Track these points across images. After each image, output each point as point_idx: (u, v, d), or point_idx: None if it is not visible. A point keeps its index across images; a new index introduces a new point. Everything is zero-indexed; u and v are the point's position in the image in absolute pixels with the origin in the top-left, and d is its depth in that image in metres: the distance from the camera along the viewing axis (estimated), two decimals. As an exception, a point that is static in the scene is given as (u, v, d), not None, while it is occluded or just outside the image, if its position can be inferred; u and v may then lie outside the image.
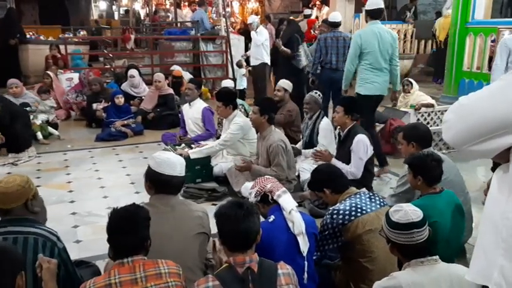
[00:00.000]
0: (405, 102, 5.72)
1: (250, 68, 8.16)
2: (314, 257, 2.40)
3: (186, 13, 14.02)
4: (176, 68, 7.90)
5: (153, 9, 16.48)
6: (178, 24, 12.67)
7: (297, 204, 2.36)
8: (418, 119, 5.32)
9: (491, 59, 6.16)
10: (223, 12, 9.71)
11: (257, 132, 4.12)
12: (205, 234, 2.28)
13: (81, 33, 13.33)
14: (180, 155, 3.41)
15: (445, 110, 1.59)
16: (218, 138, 4.76)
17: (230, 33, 9.46)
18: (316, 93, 4.50)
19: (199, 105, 5.15)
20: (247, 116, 4.79)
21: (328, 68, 5.73)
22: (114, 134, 6.04)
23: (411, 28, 10.04)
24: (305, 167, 4.06)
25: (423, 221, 1.89)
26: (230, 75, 8.87)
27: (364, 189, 2.63)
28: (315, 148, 4.21)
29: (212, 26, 10.35)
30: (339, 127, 3.96)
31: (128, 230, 1.75)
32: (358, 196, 2.48)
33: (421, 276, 1.80)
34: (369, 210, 2.38)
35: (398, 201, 2.73)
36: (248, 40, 8.82)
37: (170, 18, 15.05)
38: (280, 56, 6.59)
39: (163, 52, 9.84)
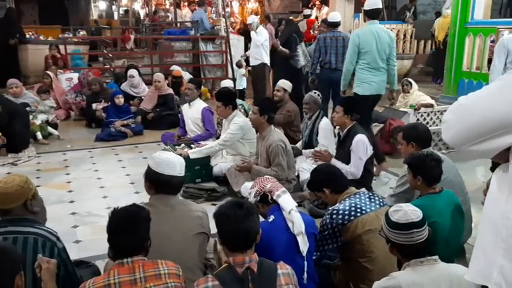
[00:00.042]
0: (405, 103, 5.73)
1: (249, 68, 8.16)
2: (314, 257, 2.40)
3: (185, 13, 14.02)
4: (176, 68, 7.90)
5: (153, 9, 16.49)
6: (178, 24, 12.68)
7: (296, 204, 2.36)
8: (418, 119, 5.33)
9: (490, 60, 6.16)
10: (223, 12, 9.71)
11: (257, 132, 4.12)
12: (205, 234, 2.28)
13: (81, 33, 13.33)
14: (180, 155, 3.40)
15: (445, 110, 1.59)
16: (218, 138, 4.76)
17: (230, 33, 9.46)
18: (315, 93, 4.50)
19: (199, 105, 5.15)
20: (246, 116, 4.79)
21: (328, 68, 5.73)
22: (114, 134, 6.04)
23: (411, 28, 10.05)
24: (304, 167, 4.06)
25: (423, 221, 1.89)
26: (230, 75, 8.87)
27: (363, 189, 2.63)
28: (314, 148, 4.21)
29: (212, 26, 10.34)
30: (338, 127, 3.96)
31: (128, 230, 1.75)
32: (357, 196, 2.48)
33: (420, 276, 1.81)
34: (368, 210, 2.38)
35: (397, 201, 2.73)
36: (248, 40, 8.81)
37: (170, 18, 15.06)
38: (278, 56, 6.59)
39: (162, 52, 9.83)
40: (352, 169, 3.67)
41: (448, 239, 2.34)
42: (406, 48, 9.99)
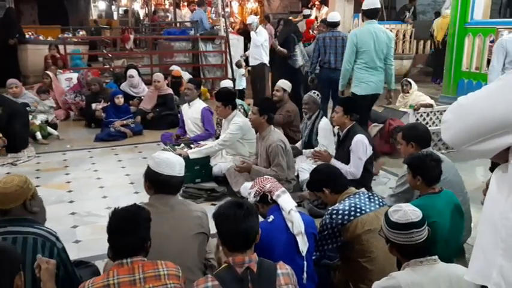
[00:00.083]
0: (404, 103, 5.73)
1: (249, 68, 8.16)
2: (313, 257, 2.40)
3: (185, 13, 14.02)
4: (175, 68, 7.90)
5: (152, 9, 16.48)
6: (178, 24, 12.67)
7: (296, 204, 2.36)
8: (417, 119, 5.33)
9: (490, 60, 6.16)
10: (223, 12, 9.72)
11: (256, 133, 4.12)
12: (205, 234, 2.28)
13: (81, 33, 13.33)
14: (180, 155, 3.40)
15: (444, 110, 1.59)
16: (217, 138, 4.76)
17: (229, 33, 9.46)
18: (314, 93, 4.50)
19: (198, 105, 5.15)
20: (246, 116, 4.79)
21: (327, 68, 5.73)
22: (114, 134, 6.03)
23: (410, 28, 10.05)
24: (304, 167, 4.06)
25: (422, 221, 1.89)
26: (229, 75, 8.87)
27: (363, 189, 2.63)
28: (314, 148, 4.21)
29: (211, 26, 10.34)
30: (337, 127, 3.96)
31: (128, 231, 1.75)
32: (357, 196, 2.48)
33: (420, 276, 1.81)
34: (368, 210, 2.38)
35: (397, 201, 2.73)
36: (247, 40, 8.82)
37: (169, 18, 15.06)
38: (277, 56, 6.59)
39: (162, 52, 9.83)
40: (352, 169, 3.67)
41: (447, 239, 2.34)
42: (405, 48, 10.00)
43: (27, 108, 5.88)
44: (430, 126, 5.20)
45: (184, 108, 5.29)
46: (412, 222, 1.86)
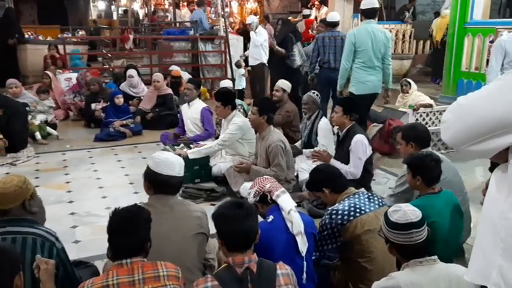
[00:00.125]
0: (404, 103, 5.73)
1: (249, 68, 8.17)
2: (313, 257, 2.40)
3: (184, 13, 14.02)
4: (175, 68, 7.90)
5: (152, 9, 16.49)
6: (177, 24, 12.67)
7: (295, 205, 2.36)
8: (417, 119, 5.33)
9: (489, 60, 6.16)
10: (222, 13, 9.72)
11: (256, 133, 4.12)
12: (204, 235, 2.28)
13: (80, 33, 13.34)
14: (179, 155, 3.40)
15: (444, 110, 1.59)
16: (217, 138, 4.76)
17: (229, 33, 9.46)
18: (314, 93, 4.50)
19: (198, 105, 5.15)
20: (246, 116, 4.79)
21: (327, 68, 5.74)
22: (113, 134, 6.03)
23: (410, 28, 10.05)
24: (304, 167, 4.06)
25: (422, 221, 1.89)
26: (229, 75, 8.87)
27: (362, 189, 2.63)
28: (314, 148, 4.21)
29: (211, 26, 10.35)
30: (337, 127, 3.96)
31: (128, 231, 1.74)
32: (356, 196, 2.48)
33: (419, 276, 1.81)
34: (367, 210, 2.38)
35: (397, 201, 2.73)
36: (247, 40, 8.81)
37: (169, 18, 15.07)
38: (275, 56, 6.59)
39: (162, 52, 9.83)
40: (352, 169, 3.67)
41: (447, 239, 2.34)
42: (405, 48, 9.99)
43: (27, 108, 5.88)
44: (429, 126, 5.20)
45: (184, 108, 5.29)
46: (411, 223, 1.86)
